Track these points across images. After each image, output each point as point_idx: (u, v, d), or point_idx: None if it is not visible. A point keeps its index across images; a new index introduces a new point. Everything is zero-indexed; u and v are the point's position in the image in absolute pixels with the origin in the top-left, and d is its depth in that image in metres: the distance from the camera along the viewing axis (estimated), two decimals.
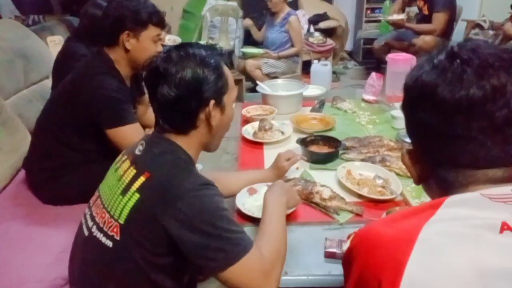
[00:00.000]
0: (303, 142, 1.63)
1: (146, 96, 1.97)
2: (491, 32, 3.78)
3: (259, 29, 4.05)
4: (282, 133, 1.79)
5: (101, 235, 0.94)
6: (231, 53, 4.31)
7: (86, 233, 1.00)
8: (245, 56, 3.90)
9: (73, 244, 1.08)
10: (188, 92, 0.93)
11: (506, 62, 0.59)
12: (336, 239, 1.10)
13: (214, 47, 1.04)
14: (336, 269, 1.04)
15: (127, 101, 1.56)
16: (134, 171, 0.93)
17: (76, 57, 2.01)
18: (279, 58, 3.65)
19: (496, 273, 0.53)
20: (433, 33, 3.58)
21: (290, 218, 1.22)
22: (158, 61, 0.95)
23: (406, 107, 0.69)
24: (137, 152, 0.97)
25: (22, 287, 1.27)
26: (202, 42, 4.52)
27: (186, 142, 0.98)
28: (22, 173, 1.80)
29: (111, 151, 1.52)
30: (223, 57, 1.02)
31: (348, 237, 1.09)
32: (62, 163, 1.60)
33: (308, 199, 1.30)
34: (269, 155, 1.63)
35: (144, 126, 1.66)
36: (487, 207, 0.57)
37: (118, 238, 0.91)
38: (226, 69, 1.00)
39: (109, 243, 0.92)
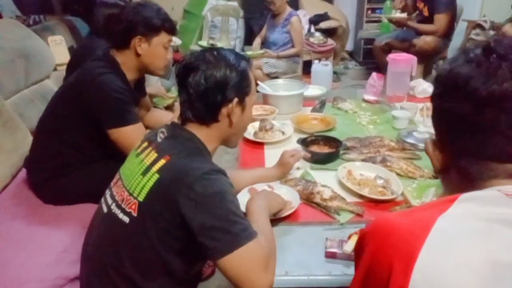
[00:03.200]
0: (303, 142, 1.63)
1: (147, 98, 1.98)
2: (491, 33, 3.77)
3: (260, 29, 4.04)
4: (283, 133, 1.79)
5: (119, 211, 1.01)
6: (235, 52, 4.29)
7: (105, 210, 1.07)
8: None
9: (91, 222, 1.15)
10: (215, 86, 1.02)
11: None
12: (337, 239, 1.10)
13: (242, 54, 1.14)
14: (337, 269, 1.04)
15: (130, 102, 1.56)
16: (156, 154, 1.00)
17: (96, 51, 2.01)
18: (278, 57, 3.64)
19: (507, 266, 0.54)
20: (435, 34, 3.57)
21: (290, 218, 1.22)
22: (191, 58, 1.04)
23: (436, 96, 0.70)
24: (158, 139, 1.05)
25: (22, 287, 1.27)
26: (203, 42, 4.52)
27: (206, 134, 1.06)
28: (23, 173, 1.80)
29: (112, 151, 1.52)
30: (249, 63, 1.11)
31: (349, 237, 1.09)
32: (64, 162, 1.60)
33: (308, 199, 1.30)
34: (270, 155, 1.63)
35: (145, 128, 1.66)
36: (502, 203, 0.59)
37: (135, 214, 0.97)
38: (251, 75, 1.10)
39: (126, 219, 0.99)
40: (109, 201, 1.07)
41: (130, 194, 0.99)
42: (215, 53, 1.05)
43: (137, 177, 1.00)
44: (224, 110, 1.05)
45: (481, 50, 0.64)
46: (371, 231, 0.67)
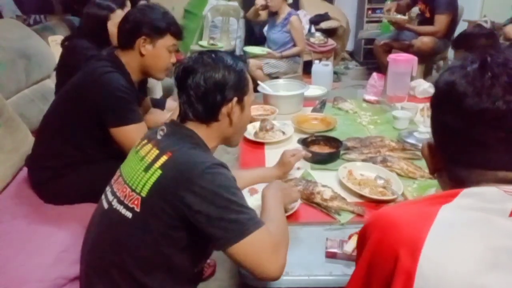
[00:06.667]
0: (304, 142, 1.63)
1: (147, 99, 1.98)
2: None
3: (260, 29, 4.03)
4: (283, 133, 1.79)
5: (121, 207, 1.02)
6: (232, 53, 4.29)
7: (105, 206, 1.08)
8: (246, 56, 3.89)
9: (91, 219, 1.16)
10: (214, 87, 1.05)
11: None
12: (337, 239, 1.10)
13: (239, 56, 1.14)
14: (337, 270, 1.04)
15: (134, 101, 1.56)
16: (157, 151, 1.02)
17: (82, 51, 2.00)
18: (282, 57, 3.64)
19: (506, 250, 0.57)
20: (435, 35, 3.56)
21: (291, 219, 1.22)
22: (190, 61, 1.08)
23: (433, 106, 0.74)
24: (158, 137, 1.07)
25: (22, 286, 1.27)
26: (203, 42, 4.52)
27: (206, 133, 1.08)
28: (24, 172, 1.80)
29: (114, 152, 1.52)
30: (246, 64, 1.14)
31: (350, 238, 1.09)
32: (65, 162, 1.60)
33: (309, 200, 1.30)
34: (270, 155, 1.63)
35: None
36: (501, 199, 0.61)
37: (138, 210, 0.98)
38: (247, 75, 1.14)
39: (129, 215, 1.00)
40: (110, 197, 1.08)
41: (133, 190, 1.01)
42: (212, 55, 1.08)
43: (139, 173, 1.01)
44: (224, 110, 1.07)
45: (478, 66, 0.66)
46: (373, 223, 0.69)
